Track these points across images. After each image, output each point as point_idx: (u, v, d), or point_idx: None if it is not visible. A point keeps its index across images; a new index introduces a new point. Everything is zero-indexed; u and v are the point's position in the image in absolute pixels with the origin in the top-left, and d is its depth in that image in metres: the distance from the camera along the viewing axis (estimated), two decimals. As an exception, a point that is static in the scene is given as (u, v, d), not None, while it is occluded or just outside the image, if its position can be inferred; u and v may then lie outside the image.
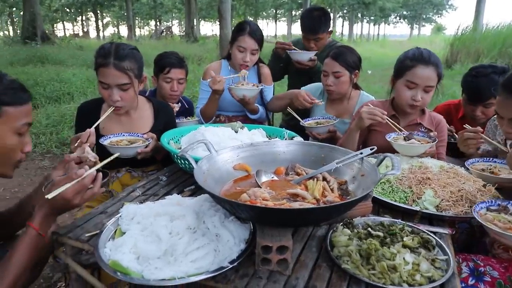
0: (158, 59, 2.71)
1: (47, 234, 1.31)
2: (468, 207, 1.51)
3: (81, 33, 47.39)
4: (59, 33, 43.00)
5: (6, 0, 32.14)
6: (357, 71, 2.54)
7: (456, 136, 2.23)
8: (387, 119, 2.03)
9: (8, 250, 1.51)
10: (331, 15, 3.27)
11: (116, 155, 1.58)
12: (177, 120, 2.55)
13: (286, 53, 3.10)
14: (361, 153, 1.36)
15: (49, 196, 1.22)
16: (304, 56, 2.96)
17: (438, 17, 60.36)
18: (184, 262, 1.09)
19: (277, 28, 62.71)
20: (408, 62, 2.07)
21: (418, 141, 1.95)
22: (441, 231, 1.42)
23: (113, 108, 1.99)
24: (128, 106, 2.04)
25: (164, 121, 2.24)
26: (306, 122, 2.52)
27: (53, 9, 39.96)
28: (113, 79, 1.92)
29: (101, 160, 2.21)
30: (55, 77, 7.74)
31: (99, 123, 2.03)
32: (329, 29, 3.09)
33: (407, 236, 1.28)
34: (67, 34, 40.12)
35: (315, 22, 2.97)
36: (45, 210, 1.28)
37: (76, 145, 1.76)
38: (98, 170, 1.41)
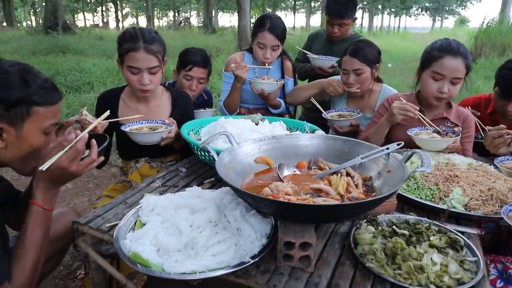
0: (182, 54, 2.66)
1: (54, 206, 1.28)
2: (498, 207, 1.45)
3: (101, 24, 47.87)
4: (80, 23, 43.71)
5: (29, -10, 32.81)
6: (377, 64, 2.47)
7: (486, 128, 2.15)
8: (419, 114, 1.97)
9: None
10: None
11: (107, 113, 1.52)
12: (194, 111, 2.54)
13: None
14: (388, 149, 1.32)
15: (43, 167, 1.18)
16: (327, 63, 2.90)
17: (462, 9, 58.56)
18: (205, 256, 1.07)
19: (295, 20, 62.13)
20: (436, 53, 2.00)
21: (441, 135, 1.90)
22: (469, 231, 1.36)
23: (131, 117, 1.97)
24: (154, 89, 2.04)
25: (181, 109, 2.23)
26: (329, 114, 2.47)
27: (74, -1, 40.56)
28: (144, 62, 1.92)
29: (120, 152, 2.22)
30: (76, 67, 7.84)
31: (116, 114, 2.05)
32: (355, 17, 3.01)
33: (433, 235, 1.24)
34: (88, 25, 40.63)
35: (342, 6, 2.89)
36: (44, 183, 1.24)
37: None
38: (96, 136, 1.36)
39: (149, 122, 2.01)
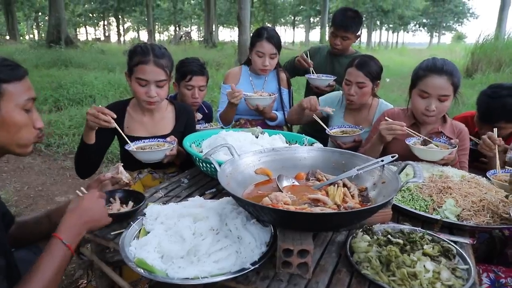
0: (179, 66, 2.73)
1: (73, 246, 1.24)
2: (490, 217, 1.50)
3: (102, 38, 48.37)
4: (82, 37, 44.17)
5: (33, 5, 33.34)
6: (378, 81, 2.55)
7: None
8: (408, 130, 2.04)
9: (40, 249, 1.55)
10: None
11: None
12: (200, 126, 2.60)
13: (302, 69, 3.14)
14: (382, 161, 1.37)
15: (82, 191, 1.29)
16: (323, 82, 2.98)
17: (459, 25, 59.31)
18: (207, 263, 1.12)
19: (295, 35, 62.91)
20: (421, 72, 2.08)
21: (437, 146, 1.96)
22: (462, 240, 1.41)
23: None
24: (160, 102, 2.12)
25: (184, 122, 2.30)
26: (332, 131, 2.53)
27: (76, 13, 41.10)
28: (153, 75, 2.00)
29: (123, 163, 2.29)
30: (78, 80, 7.95)
31: (123, 126, 2.10)
32: (358, 33, 3.11)
33: (427, 244, 1.28)
34: (90, 38, 41.12)
35: (348, 20, 3.00)
36: (69, 217, 1.27)
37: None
38: (136, 193, 1.53)
39: (150, 141, 2.05)
